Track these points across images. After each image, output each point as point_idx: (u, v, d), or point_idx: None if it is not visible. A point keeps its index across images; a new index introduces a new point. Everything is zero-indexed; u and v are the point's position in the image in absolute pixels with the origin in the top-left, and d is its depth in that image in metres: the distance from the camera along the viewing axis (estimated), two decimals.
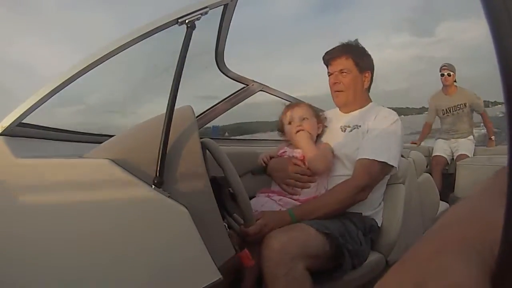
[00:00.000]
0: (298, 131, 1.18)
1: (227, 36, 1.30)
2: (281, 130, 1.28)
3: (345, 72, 1.23)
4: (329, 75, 1.27)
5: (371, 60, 1.29)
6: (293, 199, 1.13)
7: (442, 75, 2.96)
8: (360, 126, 1.20)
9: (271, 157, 1.25)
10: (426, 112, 3.28)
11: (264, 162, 1.25)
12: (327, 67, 1.28)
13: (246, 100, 1.64)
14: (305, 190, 1.14)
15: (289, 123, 1.21)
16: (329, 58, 1.27)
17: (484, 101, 3.12)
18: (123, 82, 1.51)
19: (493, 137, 3.04)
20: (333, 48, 1.27)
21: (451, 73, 2.93)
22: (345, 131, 1.23)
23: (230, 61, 1.48)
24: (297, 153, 1.19)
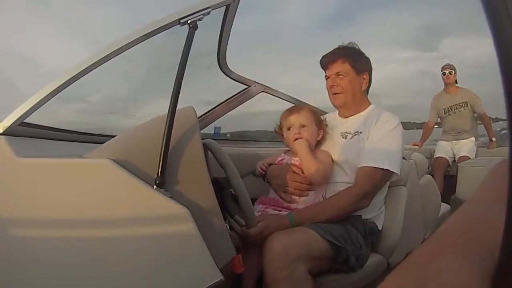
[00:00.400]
0: (296, 139, 1.16)
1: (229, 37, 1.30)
2: (280, 133, 1.25)
3: (342, 75, 1.22)
4: (326, 79, 1.26)
5: (369, 62, 1.27)
6: (291, 209, 1.11)
7: (444, 73, 2.97)
8: (361, 132, 1.19)
9: (269, 165, 1.23)
10: None
11: (263, 170, 1.22)
12: (325, 70, 1.26)
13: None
14: (303, 198, 1.12)
15: (288, 128, 1.19)
16: (326, 61, 1.26)
17: None
18: (125, 81, 1.51)
19: (493, 139, 3.03)
20: (330, 52, 1.26)
21: (452, 71, 2.95)
22: (346, 138, 1.21)
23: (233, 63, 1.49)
24: (296, 160, 1.16)
